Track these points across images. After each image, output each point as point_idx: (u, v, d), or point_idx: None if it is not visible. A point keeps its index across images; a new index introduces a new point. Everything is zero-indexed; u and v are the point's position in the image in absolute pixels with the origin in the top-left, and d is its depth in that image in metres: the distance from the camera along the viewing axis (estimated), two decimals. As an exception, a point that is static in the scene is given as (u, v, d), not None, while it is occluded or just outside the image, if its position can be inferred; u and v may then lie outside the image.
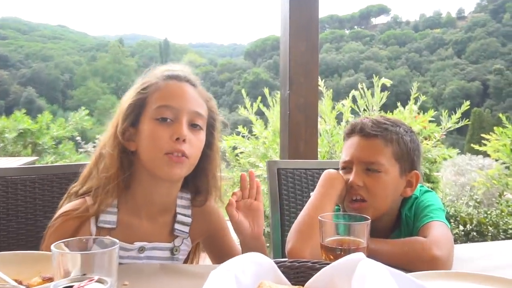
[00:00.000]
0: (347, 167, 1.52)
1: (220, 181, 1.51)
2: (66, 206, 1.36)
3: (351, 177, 1.48)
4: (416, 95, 4.35)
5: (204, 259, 1.67)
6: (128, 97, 1.38)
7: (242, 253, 1.38)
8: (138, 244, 1.35)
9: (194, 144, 1.33)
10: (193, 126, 1.34)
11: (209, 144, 1.45)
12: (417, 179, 1.54)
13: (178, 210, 1.45)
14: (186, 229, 1.45)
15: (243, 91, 5.06)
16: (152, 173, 1.33)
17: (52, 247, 0.85)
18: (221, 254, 1.54)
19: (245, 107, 4.75)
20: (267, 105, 4.78)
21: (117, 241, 0.90)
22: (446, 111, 4.34)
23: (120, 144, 1.33)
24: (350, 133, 1.55)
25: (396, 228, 1.55)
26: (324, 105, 4.39)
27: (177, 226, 1.43)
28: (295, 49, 2.84)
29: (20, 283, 1.05)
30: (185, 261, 1.53)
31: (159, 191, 1.38)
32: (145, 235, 1.38)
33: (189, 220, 1.45)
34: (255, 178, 1.47)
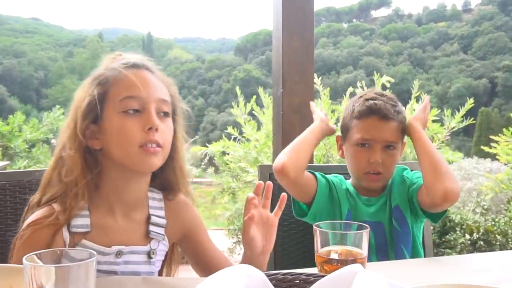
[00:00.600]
0: (365, 143, 1.80)
1: (187, 174, 1.53)
2: (33, 215, 1.34)
3: (372, 155, 1.78)
4: (418, 93, 4.35)
5: (189, 270, 1.66)
6: (84, 93, 1.36)
7: None
8: (115, 248, 1.35)
9: (165, 132, 1.35)
10: (160, 114, 1.36)
11: (174, 132, 1.45)
12: (404, 145, 1.92)
13: (151, 211, 1.45)
14: (162, 230, 1.45)
15: (237, 89, 5.01)
16: (127, 168, 1.34)
17: (24, 259, 0.84)
18: (199, 253, 1.56)
19: (238, 106, 4.70)
20: (260, 105, 4.73)
21: (94, 253, 0.90)
22: (449, 110, 4.33)
23: (83, 144, 1.33)
24: (367, 114, 1.81)
25: (385, 188, 1.90)
26: (321, 104, 4.39)
27: (152, 228, 1.43)
28: (289, 44, 2.84)
29: (-11, 299, 1.05)
30: (163, 264, 1.53)
31: (130, 187, 1.39)
32: (121, 236, 1.38)
33: (163, 221, 1.46)
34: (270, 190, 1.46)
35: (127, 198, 1.40)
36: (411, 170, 1.96)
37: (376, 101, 1.81)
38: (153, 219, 1.44)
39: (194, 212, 1.58)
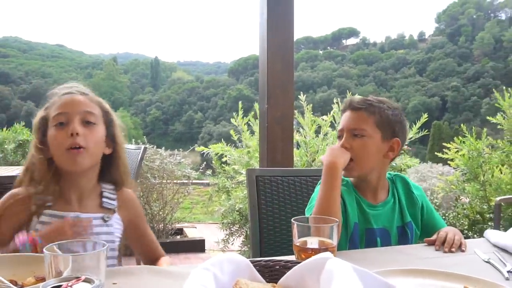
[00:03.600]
0: (341, 135, 1.71)
1: (129, 170, 1.66)
2: (14, 190, 1.49)
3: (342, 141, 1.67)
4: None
5: (188, 258, 1.65)
6: (36, 117, 1.53)
7: None
8: (73, 213, 1.44)
9: (89, 137, 1.45)
10: (86, 123, 1.46)
11: (113, 137, 1.56)
12: (398, 145, 1.72)
13: (104, 194, 1.55)
14: (114, 202, 1.55)
15: (239, 104, 4.95)
16: (61, 168, 1.46)
17: (44, 249, 0.84)
18: (142, 240, 1.64)
19: (236, 117, 4.66)
20: (255, 117, 4.70)
21: (106, 243, 0.89)
22: (407, 123, 4.36)
23: (40, 153, 1.47)
24: (344, 109, 1.75)
25: (388, 192, 1.76)
26: (307, 117, 4.38)
27: (104, 200, 1.54)
28: (273, 67, 2.85)
29: (15, 283, 1.03)
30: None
31: (77, 178, 1.49)
32: (78, 211, 1.47)
33: (114, 196, 1.56)
34: None
35: (77, 188, 1.50)
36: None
37: (354, 98, 1.75)
38: (105, 194, 1.55)
39: (138, 204, 1.66)
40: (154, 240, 1.66)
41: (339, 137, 1.72)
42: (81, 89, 1.55)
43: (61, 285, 0.70)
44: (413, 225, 1.72)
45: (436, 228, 1.72)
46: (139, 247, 1.66)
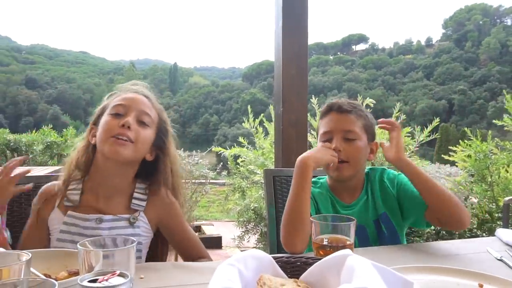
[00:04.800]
0: (327, 138, 1.64)
1: (180, 184, 1.59)
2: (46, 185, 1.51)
3: (333, 143, 1.60)
4: (398, 114, 4.34)
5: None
6: (100, 106, 1.53)
7: None
8: (94, 215, 1.40)
9: (139, 134, 1.42)
10: (141, 122, 1.44)
11: (161, 148, 1.52)
12: (377, 147, 1.71)
13: (135, 194, 1.49)
14: (143, 203, 1.48)
15: (249, 107, 4.98)
16: (102, 153, 1.41)
17: (78, 245, 0.85)
18: (177, 239, 1.55)
19: (248, 121, 4.68)
20: (270, 120, 4.71)
21: (134, 239, 0.90)
22: (419, 127, 4.33)
23: (89, 142, 1.48)
24: (327, 111, 1.69)
25: (362, 189, 1.70)
26: (318, 121, 4.36)
27: (133, 201, 1.47)
28: (287, 73, 2.85)
29: (49, 277, 1.04)
30: (152, 255, 1.56)
31: (112, 173, 1.44)
32: (103, 211, 1.43)
33: (144, 197, 1.49)
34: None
35: (110, 183, 1.46)
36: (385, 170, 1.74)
37: (337, 101, 1.68)
38: (135, 195, 1.49)
39: (176, 207, 1.55)
40: (192, 240, 1.56)
41: (326, 140, 1.64)
42: (146, 93, 1.54)
43: (97, 279, 0.71)
44: (388, 216, 1.64)
45: (416, 199, 1.58)
46: (176, 246, 1.57)
